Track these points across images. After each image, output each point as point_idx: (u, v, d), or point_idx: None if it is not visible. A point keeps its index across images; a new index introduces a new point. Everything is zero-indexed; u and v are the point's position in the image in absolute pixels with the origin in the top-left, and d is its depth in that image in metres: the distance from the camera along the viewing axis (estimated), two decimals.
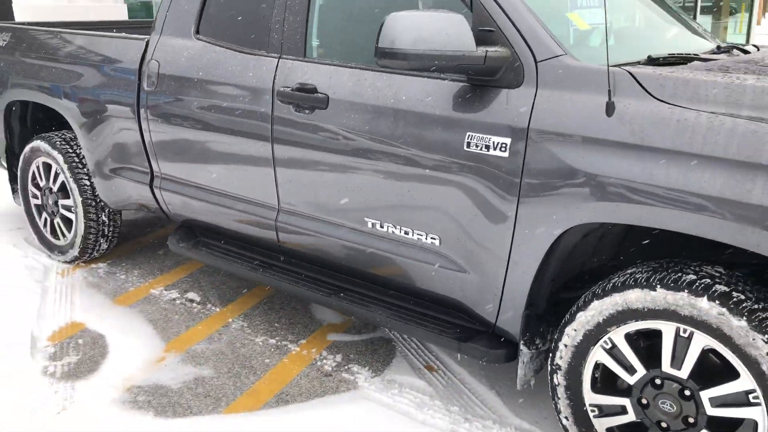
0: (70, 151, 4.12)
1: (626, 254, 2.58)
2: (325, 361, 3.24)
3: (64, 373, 3.11)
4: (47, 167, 4.30)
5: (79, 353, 3.29)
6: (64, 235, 4.35)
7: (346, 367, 3.19)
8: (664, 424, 2.21)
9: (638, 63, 2.40)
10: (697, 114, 2.03)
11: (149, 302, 3.88)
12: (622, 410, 2.28)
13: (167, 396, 2.95)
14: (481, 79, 2.40)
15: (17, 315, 3.58)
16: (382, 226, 2.76)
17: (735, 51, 2.93)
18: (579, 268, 2.60)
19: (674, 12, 3.30)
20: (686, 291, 2.04)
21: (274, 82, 2.97)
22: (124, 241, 4.75)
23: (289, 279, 3.22)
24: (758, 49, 3.09)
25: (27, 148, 4.37)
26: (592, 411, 2.34)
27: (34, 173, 4.41)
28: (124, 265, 4.41)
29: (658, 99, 2.11)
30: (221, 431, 2.72)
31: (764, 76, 2.24)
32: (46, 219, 4.45)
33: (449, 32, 2.28)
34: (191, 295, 3.97)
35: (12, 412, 2.78)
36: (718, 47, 2.95)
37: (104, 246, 4.34)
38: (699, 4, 12.17)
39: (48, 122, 4.44)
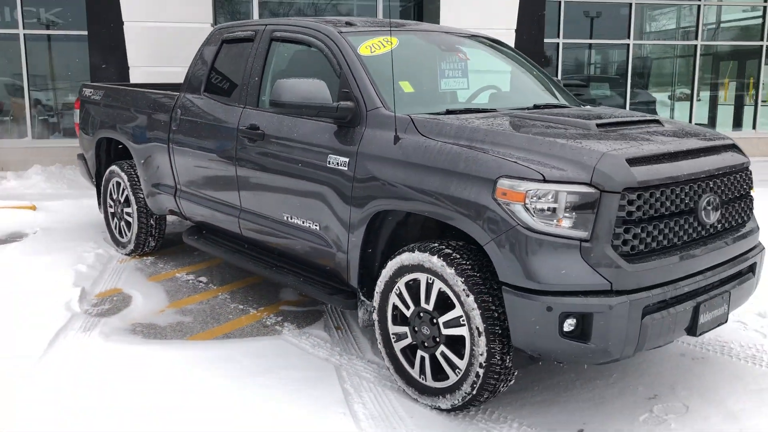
0: (132, 172, 5.80)
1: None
2: (268, 319, 4.60)
3: (96, 313, 4.66)
4: (118, 185, 6.00)
5: (111, 304, 4.85)
6: (125, 235, 6.01)
7: (281, 324, 4.53)
8: (426, 344, 3.39)
9: (439, 113, 3.67)
10: (436, 142, 3.29)
11: (171, 281, 5.41)
12: (405, 335, 3.48)
13: (155, 329, 4.42)
14: (340, 122, 3.76)
15: (79, 281, 5.17)
16: (291, 218, 4.13)
17: (552, 107, 4.12)
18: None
19: (525, 73, 4.55)
20: (428, 252, 3.26)
21: (238, 123, 4.46)
22: (171, 245, 6.35)
23: (248, 259, 4.65)
24: (580, 106, 4.26)
25: (107, 171, 6.12)
26: (393, 337, 3.55)
27: (110, 190, 6.14)
28: (166, 259, 6.00)
29: (421, 134, 3.40)
30: (180, 347, 4.12)
31: (518, 123, 3.46)
32: (116, 223, 6.15)
33: (314, 91, 3.67)
34: (202, 278, 5.47)
35: (58, 330, 4.30)
36: (535, 105, 4.13)
37: (152, 243, 5.96)
38: None
39: (123, 153, 6.16)
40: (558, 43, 12.38)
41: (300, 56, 4.43)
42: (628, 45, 12.76)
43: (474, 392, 3.18)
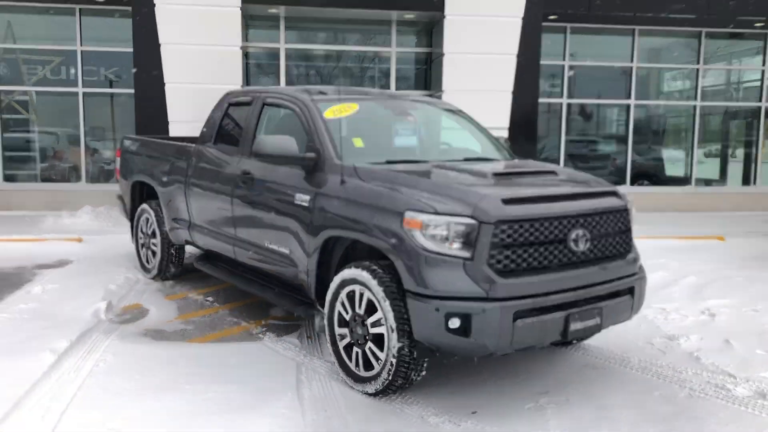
0: (158, 210, 6.96)
1: None
2: (255, 329, 5.60)
3: (118, 321, 5.74)
4: (147, 220, 7.16)
5: (131, 315, 5.93)
6: (151, 261, 7.14)
7: (264, 333, 5.52)
8: (359, 341, 4.33)
9: (380, 162, 4.70)
10: (370, 184, 4.31)
11: (184, 299, 6.49)
12: (346, 335, 4.43)
13: (162, 333, 5.47)
14: (306, 168, 4.82)
15: (107, 297, 6.27)
16: (270, 245, 5.17)
17: (483, 161, 5.11)
18: None
19: (468, 132, 5.56)
20: (360, 268, 4.24)
21: (236, 169, 5.56)
22: (191, 272, 7.44)
23: (240, 279, 5.70)
24: (510, 160, 5.24)
25: (138, 209, 7.31)
26: (339, 337, 4.50)
27: (141, 224, 7.31)
28: (183, 283, 7.10)
29: (359, 178, 4.42)
30: (178, 347, 5.15)
31: (454, 172, 4.45)
32: (145, 252, 7.29)
33: (285, 145, 4.76)
34: (210, 298, 6.54)
35: (84, 331, 5.38)
36: (466, 158, 5.13)
37: (172, 269, 7.07)
38: None
39: (153, 193, 7.33)
40: (561, 103, 13.35)
41: (284, 117, 5.54)
42: (629, 105, 13.64)
43: (390, 378, 4.10)
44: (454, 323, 3.83)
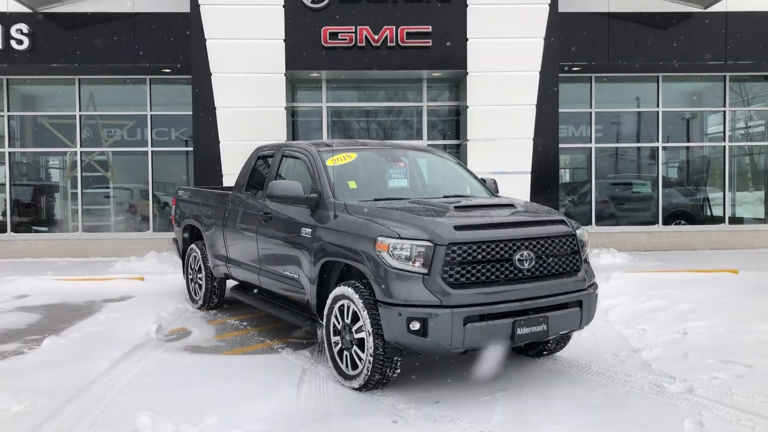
0: (203, 249, 8.15)
1: None
2: (277, 346, 6.62)
3: (166, 340, 6.86)
4: (195, 258, 8.37)
5: (176, 335, 7.05)
6: (198, 294, 8.31)
7: (284, 348, 6.53)
8: (347, 346, 5.28)
9: (369, 200, 5.71)
10: (355, 217, 5.33)
11: (223, 324, 7.59)
12: (339, 342, 5.39)
13: (200, 348, 6.56)
14: (311, 207, 5.89)
15: (158, 321, 7.43)
16: (285, 271, 6.22)
17: (457, 197, 6.05)
18: None
19: (454, 174, 6.50)
20: (347, 285, 5.22)
21: (260, 209, 6.68)
22: (232, 303, 8.57)
23: (263, 302, 6.76)
24: (491, 196, 6.17)
25: (188, 249, 8.53)
26: (334, 344, 5.46)
27: (190, 262, 8.51)
28: (225, 311, 8.22)
29: (349, 213, 5.44)
30: (211, 357, 6.21)
31: (423, 206, 5.43)
32: (193, 286, 8.48)
33: (292, 188, 5.84)
34: (245, 323, 7.62)
35: (135, 346, 6.52)
36: (444, 195, 6.08)
37: (215, 300, 8.21)
38: None
39: (200, 235, 8.54)
40: (591, 148, 14.10)
41: (298, 166, 6.65)
42: (657, 148, 14.26)
43: (369, 374, 5.02)
44: (415, 326, 4.73)
